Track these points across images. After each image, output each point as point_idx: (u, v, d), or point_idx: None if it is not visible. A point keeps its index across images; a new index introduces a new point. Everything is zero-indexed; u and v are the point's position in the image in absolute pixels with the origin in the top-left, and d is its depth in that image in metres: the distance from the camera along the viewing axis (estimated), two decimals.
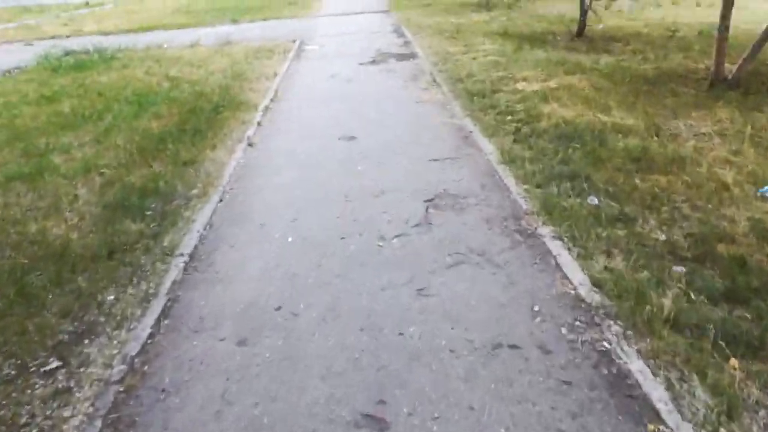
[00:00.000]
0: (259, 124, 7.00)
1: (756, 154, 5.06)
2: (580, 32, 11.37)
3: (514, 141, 5.77)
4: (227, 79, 9.53)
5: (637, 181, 4.73)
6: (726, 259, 3.66)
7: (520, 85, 7.65)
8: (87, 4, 31.97)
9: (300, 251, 4.01)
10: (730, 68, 6.88)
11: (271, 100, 8.07)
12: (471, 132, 6.18)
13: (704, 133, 5.63)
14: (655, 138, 5.61)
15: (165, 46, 13.50)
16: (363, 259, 3.85)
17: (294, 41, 13.11)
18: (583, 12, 11.24)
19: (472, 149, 5.71)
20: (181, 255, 4.07)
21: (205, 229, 4.45)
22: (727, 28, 6.60)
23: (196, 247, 4.18)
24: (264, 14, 18.66)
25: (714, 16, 14.27)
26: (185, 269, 3.91)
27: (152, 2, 27.79)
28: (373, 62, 10.34)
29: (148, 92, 8.63)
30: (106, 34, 17.08)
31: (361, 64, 10.26)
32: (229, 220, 4.60)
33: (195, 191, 5.16)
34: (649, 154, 5.14)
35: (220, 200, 4.95)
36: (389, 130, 6.45)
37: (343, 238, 4.16)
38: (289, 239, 4.20)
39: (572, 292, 3.35)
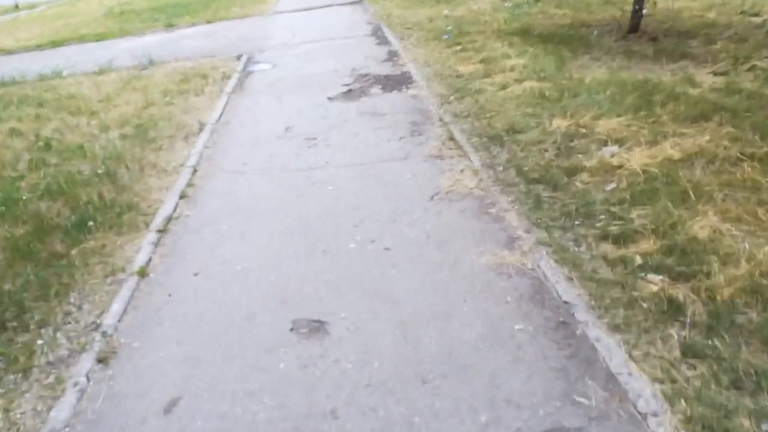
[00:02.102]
0: (142, 274, 3.65)
1: None
2: (636, 26, 8.07)
3: (685, 355, 2.52)
4: (126, 140, 6.14)
5: None
6: None
7: (610, 153, 4.36)
8: (17, 7, 27.95)
9: None
10: None
11: (182, 197, 4.71)
12: (567, 305, 2.91)
13: None
14: None
15: (65, 73, 9.96)
16: None
17: (239, 57, 9.64)
18: None
19: (600, 386, 2.45)
20: None
21: None
22: None
23: None
24: (208, 14, 15.03)
25: None
26: None
27: (86, 4, 23.85)
28: (349, 94, 6.97)
29: None
30: (4, 52, 13.43)
31: (330, 99, 6.88)
32: None
33: None
34: None
35: None
36: (391, 297, 3.16)
37: None
38: None
39: None
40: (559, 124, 4.98)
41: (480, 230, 3.71)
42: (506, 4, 11.58)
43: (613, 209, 3.65)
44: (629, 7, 9.36)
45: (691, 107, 5.00)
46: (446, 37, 9.02)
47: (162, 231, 4.17)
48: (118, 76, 9.28)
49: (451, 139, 5.20)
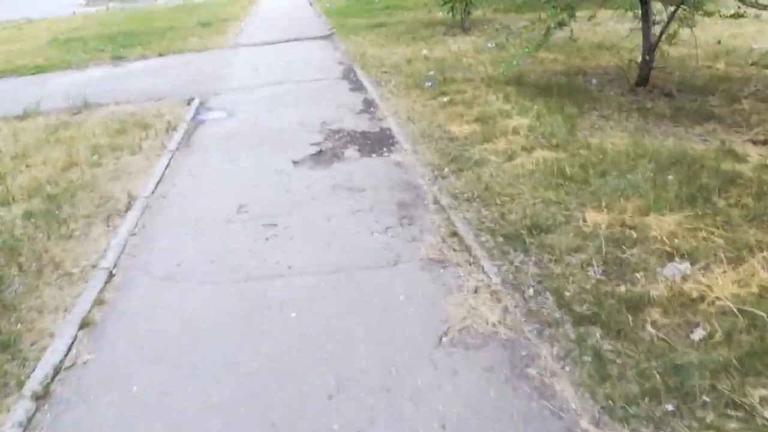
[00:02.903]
0: None
1: None
2: (645, 79, 7.13)
3: None
4: (31, 221, 4.72)
5: None
6: None
7: (680, 273, 3.19)
8: None
9: None
10: None
11: (83, 326, 3.31)
12: None
13: None
14: None
15: None
16: None
17: (190, 102, 8.30)
18: (649, 48, 6.99)
19: None
20: None
21: None
22: None
23: None
24: (162, 45, 13.61)
25: None
26: None
27: (34, 29, 21.98)
28: (318, 157, 5.71)
29: None
30: None
31: (295, 163, 5.62)
32: None
33: None
34: None
35: None
36: None
37: None
38: None
39: None
40: (596, 219, 3.81)
41: (522, 415, 2.45)
42: (488, 45, 10.63)
43: (720, 385, 2.45)
44: (628, 54, 8.53)
45: (760, 199, 3.91)
46: (430, 84, 7.89)
47: (41, 398, 2.77)
48: (44, 122, 7.80)
49: (454, 234, 3.97)
